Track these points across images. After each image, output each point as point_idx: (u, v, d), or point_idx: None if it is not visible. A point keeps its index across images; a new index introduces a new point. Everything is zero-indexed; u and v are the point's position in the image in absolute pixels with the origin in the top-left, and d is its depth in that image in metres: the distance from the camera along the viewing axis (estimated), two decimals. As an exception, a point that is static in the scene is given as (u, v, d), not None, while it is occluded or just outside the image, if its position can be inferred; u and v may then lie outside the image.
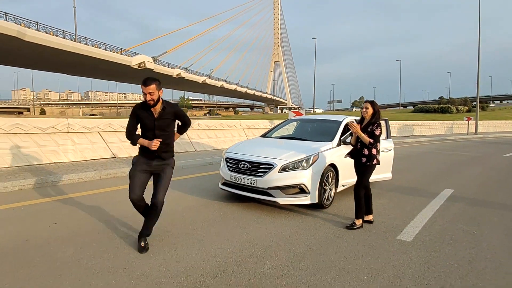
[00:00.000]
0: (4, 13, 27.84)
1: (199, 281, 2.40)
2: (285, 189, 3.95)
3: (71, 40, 34.77)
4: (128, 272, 2.51)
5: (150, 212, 2.99)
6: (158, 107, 2.83)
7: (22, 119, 6.62)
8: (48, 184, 5.33)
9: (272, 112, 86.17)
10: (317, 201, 4.08)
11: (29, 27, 29.66)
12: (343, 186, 4.79)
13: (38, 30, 30.61)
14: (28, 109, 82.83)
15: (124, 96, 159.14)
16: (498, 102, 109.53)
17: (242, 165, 4.20)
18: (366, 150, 3.57)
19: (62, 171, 5.99)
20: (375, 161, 3.58)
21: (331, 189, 4.41)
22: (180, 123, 3.19)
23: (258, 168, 4.06)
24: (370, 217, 3.74)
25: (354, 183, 4.86)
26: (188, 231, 3.44)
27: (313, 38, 46.90)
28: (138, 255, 2.83)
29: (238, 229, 3.51)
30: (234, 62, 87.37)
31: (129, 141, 2.95)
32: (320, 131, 5.34)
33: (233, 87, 78.49)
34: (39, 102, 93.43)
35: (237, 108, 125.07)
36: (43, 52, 32.67)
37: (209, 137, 10.70)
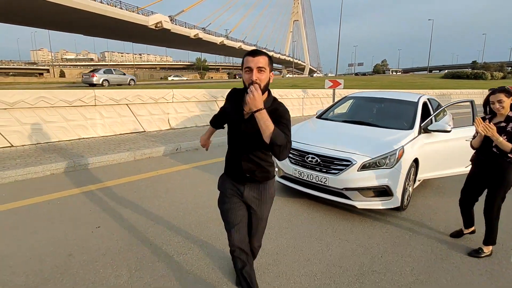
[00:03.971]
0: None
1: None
2: (365, 190, 3.26)
3: (86, -3, 33.26)
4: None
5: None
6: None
7: (47, 91, 6.05)
8: (81, 167, 4.85)
9: (290, 76, 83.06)
10: (399, 205, 3.40)
11: (43, -15, 28.35)
12: (418, 181, 4.07)
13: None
14: (47, 70, 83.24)
15: (140, 57, 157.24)
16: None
17: (310, 159, 3.50)
18: (497, 158, 2.57)
19: (93, 150, 5.49)
20: None
21: (410, 187, 3.70)
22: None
23: (331, 164, 3.36)
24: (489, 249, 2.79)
25: (430, 177, 4.17)
26: (255, 243, 2.86)
27: (339, -6, 43.26)
28: (208, 285, 2.28)
29: (314, 241, 2.91)
30: (252, 21, 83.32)
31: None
32: (391, 114, 4.50)
33: (251, 48, 75.48)
34: (58, 64, 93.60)
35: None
36: (58, 11, 31.55)
37: (240, 108, 9.94)
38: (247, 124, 1.72)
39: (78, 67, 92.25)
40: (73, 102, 6.34)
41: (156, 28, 42.05)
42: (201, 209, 3.52)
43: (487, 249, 2.74)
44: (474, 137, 2.75)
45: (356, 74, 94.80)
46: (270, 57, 1.67)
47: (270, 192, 1.94)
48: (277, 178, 4.05)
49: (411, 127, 3.93)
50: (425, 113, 4.41)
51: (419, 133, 3.89)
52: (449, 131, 3.85)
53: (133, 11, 39.86)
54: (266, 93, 1.71)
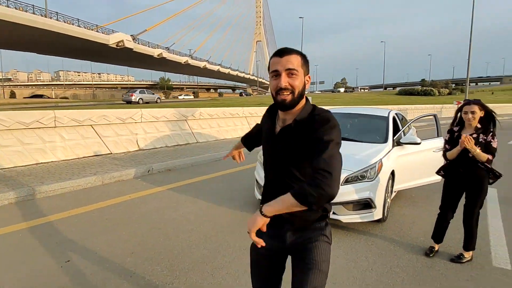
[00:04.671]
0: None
1: None
2: (349, 204, 3.30)
3: (42, 15, 31.75)
4: None
5: None
6: (296, 111, 1.27)
7: (1, 113, 5.52)
8: (41, 194, 4.41)
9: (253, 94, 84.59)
10: (381, 217, 3.47)
11: (-3, 3, 26.71)
12: (394, 192, 4.22)
13: (8, 6, 27.63)
14: (-6, 91, 77.01)
15: (99, 77, 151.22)
16: (474, 84, 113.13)
17: (293, 175, 3.49)
18: (475, 167, 2.71)
19: (54, 175, 5.04)
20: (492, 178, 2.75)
21: (389, 198, 3.81)
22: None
23: (315, 179, 3.37)
24: (470, 254, 2.88)
25: (403, 188, 4.34)
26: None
27: (300, 17, 45.68)
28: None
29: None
30: (216, 41, 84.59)
31: None
32: (365, 128, 4.68)
33: (216, 68, 76.12)
34: (9, 84, 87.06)
35: (219, 90, 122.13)
36: (13, 30, 29.66)
37: (211, 126, 9.84)
38: (279, 140, 1.29)
39: (30, 87, 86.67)
40: (30, 124, 5.84)
41: (118, 47, 41.01)
42: (182, 234, 3.32)
43: (467, 254, 2.85)
44: (446, 149, 2.87)
45: (337, 91, 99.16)
46: (304, 56, 1.27)
47: (325, 234, 1.34)
48: (259, 196, 3.97)
49: (385, 140, 4.10)
50: (395, 127, 4.63)
51: (393, 146, 4.07)
52: (419, 143, 4.06)
53: (91, 29, 38.63)
54: (302, 102, 1.27)
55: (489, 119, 2.72)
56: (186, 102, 33.25)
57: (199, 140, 9.28)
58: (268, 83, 1.33)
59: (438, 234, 3.00)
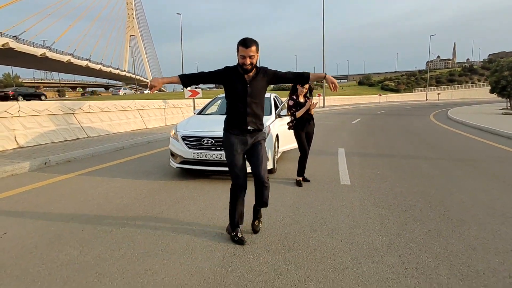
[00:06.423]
0: None
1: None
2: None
3: None
4: (165, 252, 2.49)
5: (258, 189, 2.73)
6: (252, 73, 2.52)
7: None
8: None
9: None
10: (273, 167, 4.71)
11: None
12: (280, 152, 5.60)
13: None
14: None
15: None
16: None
17: (206, 141, 4.33)
18: (311, 120, 4.39)
19: None
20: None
21: (276, 156, 5.12)
22: (283, 77, 2.69)
23: (224, 142, 4.31)
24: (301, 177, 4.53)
25: (287, 149, 5.80)
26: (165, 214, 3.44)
27: (177, 13, 45.35)
28: (155, 243, 2.75)
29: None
30: (81, 32, 74.39)
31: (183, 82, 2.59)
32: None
33: (83, 63, 67.20)
34: None
35: (88, 89, 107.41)
36: None
37: (102, 120, 9.48)
38: (252, 86, 2.52)
39: None
40: None
41: None
42: (115, 200, 3.73)
43: (301, 178, 4.47)
44: (294, 111, 4.29)
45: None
46: (257, 44, 2.43)
47: (265, 137, 2.81)
48: (176, 164, 4.64)
49: (269, 113, 5.39)
50: (275, 105, 6.04)
51: (276, 117, 5.41)
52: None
53: None
54: (255, 68, 2.51)
55: (310, 90, 4.37)
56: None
57: (90, 134, 8.86)
58: (147, 81, 2.49)
59: (301, 170, 4.47)
